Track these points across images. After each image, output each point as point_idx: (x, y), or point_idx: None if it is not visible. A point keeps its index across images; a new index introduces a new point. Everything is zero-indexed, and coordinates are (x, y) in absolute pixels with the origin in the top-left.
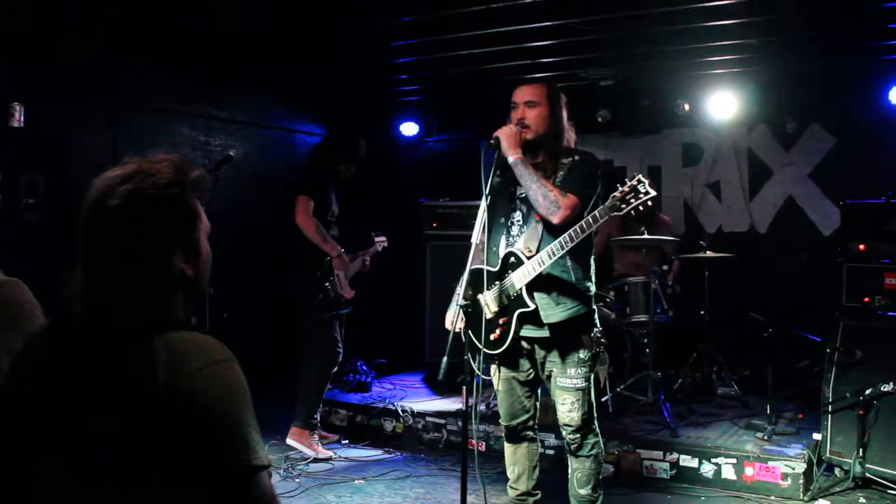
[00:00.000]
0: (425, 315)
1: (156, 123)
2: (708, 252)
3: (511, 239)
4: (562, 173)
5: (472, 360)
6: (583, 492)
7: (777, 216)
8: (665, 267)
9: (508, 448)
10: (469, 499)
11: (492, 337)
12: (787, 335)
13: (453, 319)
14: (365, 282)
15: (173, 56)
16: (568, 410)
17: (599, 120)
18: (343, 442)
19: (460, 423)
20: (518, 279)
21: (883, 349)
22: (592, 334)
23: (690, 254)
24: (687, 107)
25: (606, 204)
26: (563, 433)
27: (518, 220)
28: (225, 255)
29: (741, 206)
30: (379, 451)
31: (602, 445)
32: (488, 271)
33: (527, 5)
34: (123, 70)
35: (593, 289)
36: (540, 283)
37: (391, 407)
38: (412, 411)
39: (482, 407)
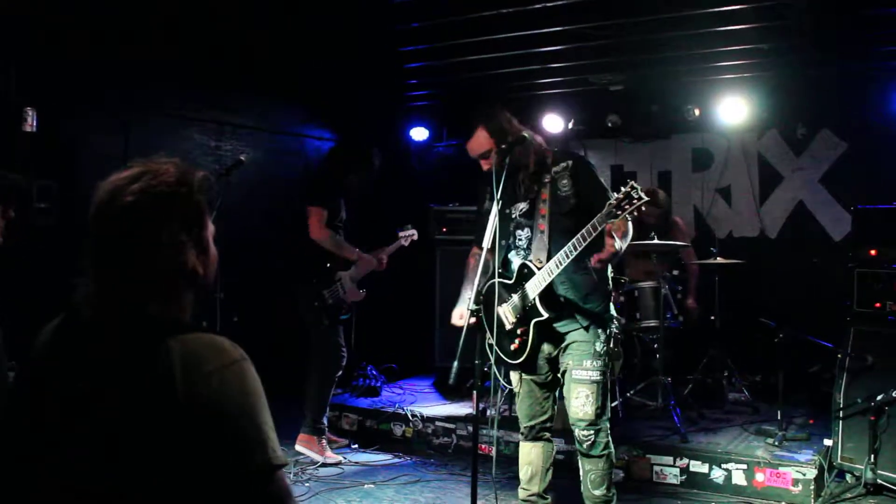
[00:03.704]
0: (435, 320)
1: (167, 128)
2: (718, 258)
3: (522, 252)
4: (565, 182)
5: (494, 368)
6: (597, 493)
7: (787, 221)
8: (676, 272)
9: (524, 447)
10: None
11: (512, 347)
12: (797, 341)
13: (462, 314)
14: (375, 287)
15: (185, 61)
16: (582, 404)
17: (609, 125)
18: (353, 446)
19: (470, 428)
20: (531, 289)
21: (894, 355)
22: (609, 329)
23: (701, 259)
24: (697, 112)
25: (603, 212)
26: (576, 431)
27: (526, 236)
28: (235, 259)
29: (751, 212)
30: (388, 456)
31: (613, 447)
32: (504, 284)
33: (537, 11)
34: (135, 75)
35: (611, 286)
36: (566, 286)
37: (401, 411)
38: (422, 416)
39: (492, 412)
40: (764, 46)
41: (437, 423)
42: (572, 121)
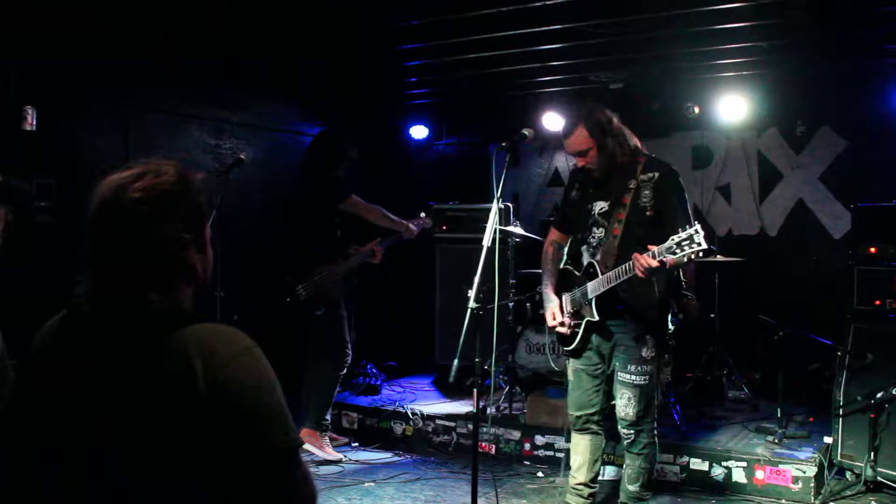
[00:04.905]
0: (435, 318)
1: (166, 127)
2: (718, 255)
3: (592, 250)
4: (647, 192)
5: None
6: (631, 488)
7: (787, 219)
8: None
9: (574, 438)
10: (480, 502)
11: (565, 334)
12: (797, 338)
13: (555, 314)
14: (374, 285)
15: (184, 59)
16: (624, 405)
17: None
18: (353, 445)
19: (470, 426)
20: (591, 290)
21: (894, 352)
22: (659, 337)
23: (700, 257)
24: (697, 110)
25: (664, 245)
26: (619, 427)
27: (599, 235)
28: (235, 257)
29: (751, 210)
30: (389, 454)
31: (657, 447)
32: (573, 274)
33: (536, 9)
34: (134, 73)
35: (672, 296)
36: (627, 297)
37: (401, 410)
38: (422, 414)
39: (492, 410)
40: (763, 44)
41: (438, 422)
42: None
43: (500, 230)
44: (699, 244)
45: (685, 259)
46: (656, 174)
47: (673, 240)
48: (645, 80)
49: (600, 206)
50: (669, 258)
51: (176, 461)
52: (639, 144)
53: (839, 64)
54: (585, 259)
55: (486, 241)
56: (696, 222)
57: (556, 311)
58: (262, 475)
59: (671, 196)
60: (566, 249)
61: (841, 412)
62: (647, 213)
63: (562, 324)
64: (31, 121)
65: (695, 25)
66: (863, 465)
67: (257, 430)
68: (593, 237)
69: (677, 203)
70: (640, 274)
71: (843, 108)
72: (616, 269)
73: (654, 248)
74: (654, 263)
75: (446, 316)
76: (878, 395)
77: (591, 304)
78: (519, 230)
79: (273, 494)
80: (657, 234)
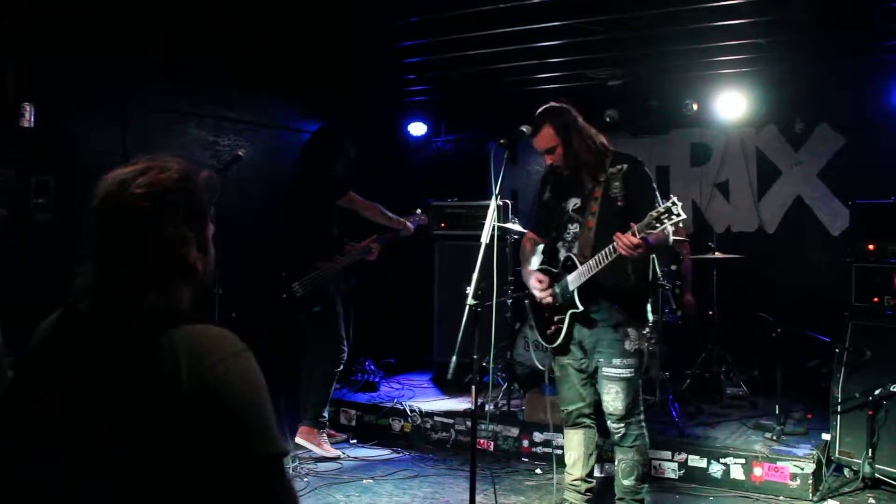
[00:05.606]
0: (433, 315)
1: (164, 123)
2: (716, 252)
3: (568, 245)
4: (617, 184)
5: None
6: (626, 482)
7: (786, 216)
8: (674, 267)
9: (567, 433)
10: (478, 498)
11: (548, 332)
12: (796, 335)
13: (539, 279)
14: (373, 282)
15: (182, 57)
16: (612, 400)
17: (608, 120)
18: (351, 441)
19: (469, 423)
20: (572, 281)
21: (892, 349)
22: (641, 329)
23: (699, 254)
24: (695, 107)
25: (644, 221)
26: (608, 422)
27: (574, 230)
28: (233, 254)
29: (750, 207)
30: (387, 451)
31: (647, 438)
32: (550, 272)
33: (535, 5)
34: (132, 70)
35: (650, 287)
36: (604, 285)
37: (399, 407)
38: (420, 411)
39: (490, 406)
40: (762, 41)
41: (436, 418)
42: None
43: (499, 227)
44: (678, 214)
45: (666, 232)
46: (624, 166)
47: (651, 215)
48: (643, 78)
49: (574, 202)
50: (651, 233)
51: (158, 463)
52: (605, 141)
53: (838, 61)
54: (562, 255)
55: (485, 238)
56: (671, 195)
57: (540, 276)
58: (246, 481)
59: (640, 185)
60: (542, 248)
61: (839, 409)
62: (619, 203)
63: (547, 288)
64: (28, 117)
65: (693, 22)
66: (861, 461)
67: (243, 435)
68: (569, 233)
69: (646, 190)
70: (623, 252)
71: (841, 105)
72: (597, 256)
73: (635, 226)
74: (636, 240)
75: (445, 313)
76: (876, 391)
77: (573, 296)
78: (517, 227)
79: (255, 501)
80: (630, 223)
